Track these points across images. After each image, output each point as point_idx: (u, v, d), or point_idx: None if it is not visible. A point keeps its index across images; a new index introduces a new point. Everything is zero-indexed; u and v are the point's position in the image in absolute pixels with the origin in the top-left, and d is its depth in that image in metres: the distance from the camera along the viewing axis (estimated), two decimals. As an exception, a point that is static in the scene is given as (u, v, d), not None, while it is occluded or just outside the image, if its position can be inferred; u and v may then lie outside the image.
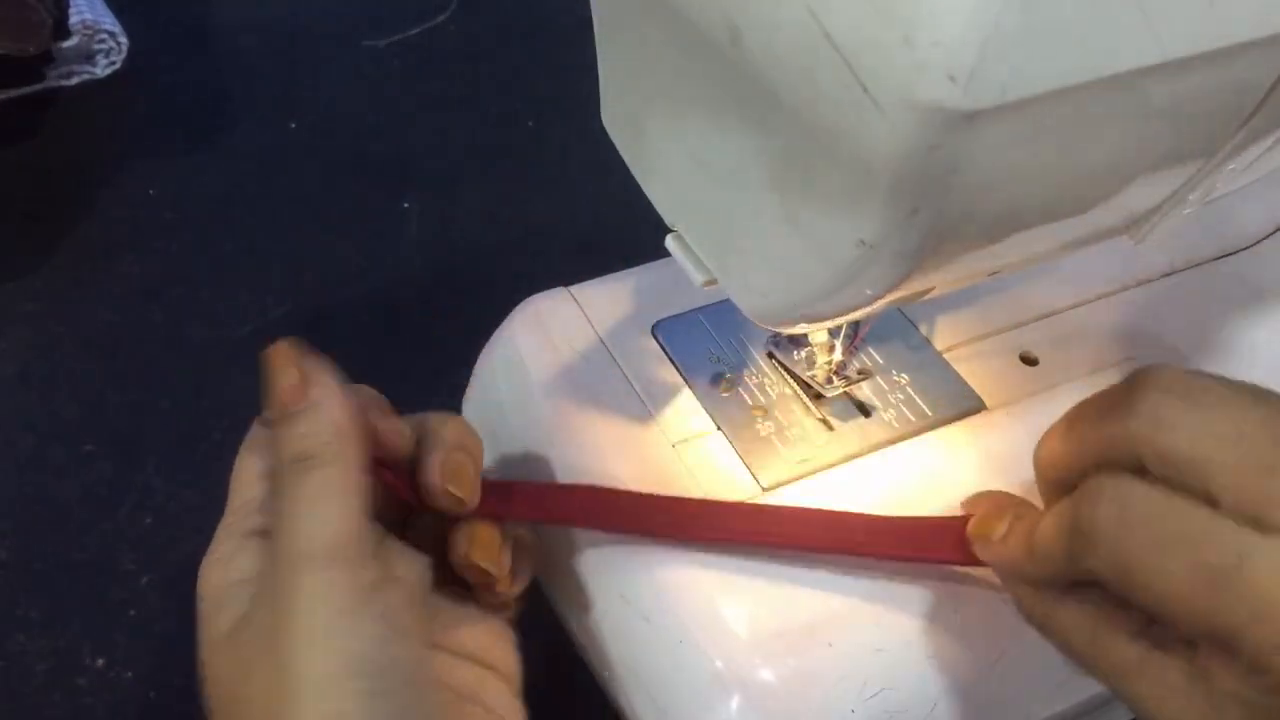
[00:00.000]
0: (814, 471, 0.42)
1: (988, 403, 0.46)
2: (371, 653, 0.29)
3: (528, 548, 0.39)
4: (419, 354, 0.64)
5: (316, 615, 0.29)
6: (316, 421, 0.33)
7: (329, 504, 0.31)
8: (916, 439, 0.44)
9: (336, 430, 0.33)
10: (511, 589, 0.38)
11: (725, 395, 0.45)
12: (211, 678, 0.31)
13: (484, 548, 0.36)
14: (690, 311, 0.48)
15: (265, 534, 0.33)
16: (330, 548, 0.30)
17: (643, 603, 0.38)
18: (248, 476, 0.35)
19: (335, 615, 0.29)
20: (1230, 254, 0.55)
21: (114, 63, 0.79)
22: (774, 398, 0.45)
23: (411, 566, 0.35)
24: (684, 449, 0.43)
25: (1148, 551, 0.27)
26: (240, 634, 0.31)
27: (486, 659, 0.36)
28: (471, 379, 0.49)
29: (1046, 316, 0.50)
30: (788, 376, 0.46)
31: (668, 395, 0.45)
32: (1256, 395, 0.28)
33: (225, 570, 0.33)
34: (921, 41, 0.21)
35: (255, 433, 0.36)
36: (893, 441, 0.44)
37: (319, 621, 0.29)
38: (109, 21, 0.79)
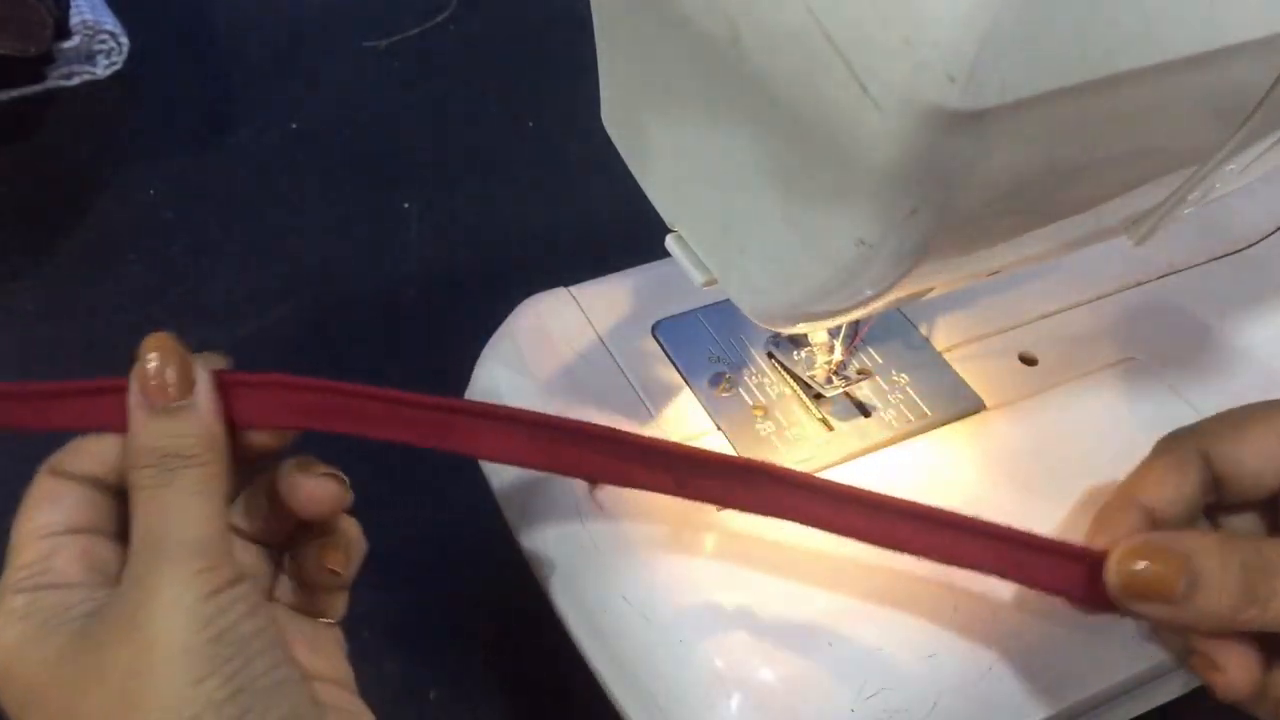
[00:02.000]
0: (814, 472, 0.42)
1: (988, 403, 0.46)
2: (240, 628, 0.29)
3: (355, 540, 0.37)
4: (419, 354, 0.64)
5: (184, 597, 0.29)
6: (193, 422, 0.31)
7: (197, 505, 0.30)
8: (916, 439, 0.44)
9: (209, 434, 0.32)
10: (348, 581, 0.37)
11: (725, 395, 0.45)
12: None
13: (335, 551, 0.35)
14: (690, 311, 0.48)
15: (50, 588, 0.31)
16: (197, 545, 0.30)
17: (643, 603, 0.38)
18: (29, 531, 0.32)
19: (203, 598, 0.29)
20: (1230, 254, 0.55)
21: (114, 63, 0.79)
22: (774, 398, 0.45)
23: (257, 564, 0.35)
24: (684, 449, 0.43)
25: None
26: (84, 641, 0.29)
27: (329, 673, 0.35)
28: (472, 378, 0.49)
29: (1046, 316, 0.50)
30: (787, 376, 0.46)
31: (668, 395, 0.45)
32: None
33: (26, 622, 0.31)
34: (921, 42, 0.21)
35: (42, 485, 0.33)
36: (893, 441, 0.44)
37: (186, 601, 0.29)
38: (109, 22, 0.78)
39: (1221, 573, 0.29)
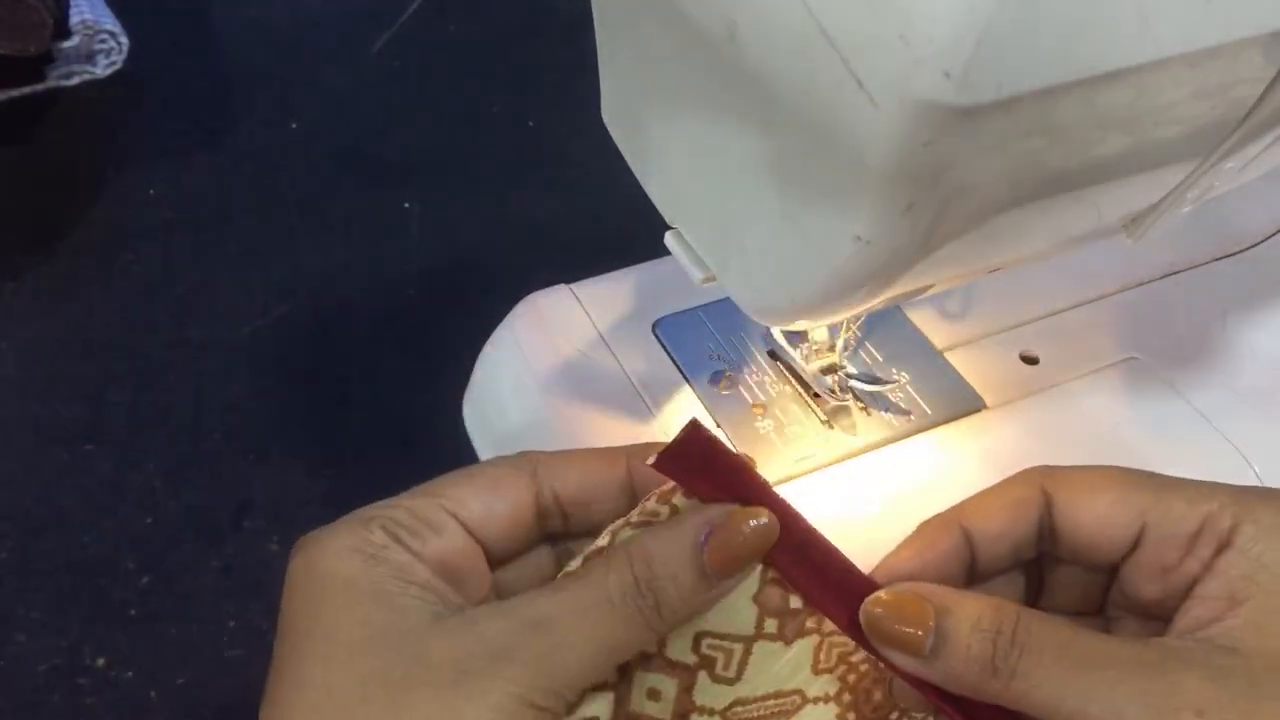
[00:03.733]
0: (813, 470, 0.42)
1: (988, 402, 0.46)
2: None
3: None
4: (420, 352, 0.64)
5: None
6: (699, 596, 0.29)
7: (604, 653, 0.28)
8: (916, 438, 0.44)
9: (691, 612, 0.30)
10: None
11: (725, 393, 0.45)
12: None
13: None
14: (691, 309, 0.48)
15: (408, 552, 0.29)
16: (560, 686, 0.27)
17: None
18: (444, 498, 0.30)
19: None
20: (1230, 254, 0.55)
21: (114, 63, 0.79)
22: (774, 396, 0.45)
23: None
24: (683, 447, 0.42)
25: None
26: (406, 647, 0.27)
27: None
28: (473, 375, 0.49)
29: (1046, 316, 0.50)
30: (788, 374, 0.46)
31: (668, 393, 0.45)
32: None
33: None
34: (917, 38, 0.21)
35: (500, 469, 0.31)
36: (892, 440, 0.44)
37: None
38: (109, 21, 0.79)
39: (969, 638, 0.28)
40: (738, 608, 0.31)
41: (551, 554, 0.33)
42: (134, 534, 0.54)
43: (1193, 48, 0.23)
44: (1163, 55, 0.23)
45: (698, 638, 0.31)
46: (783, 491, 0.40)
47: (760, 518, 0.30)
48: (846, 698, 0.32)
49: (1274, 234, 0.55)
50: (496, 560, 0.31)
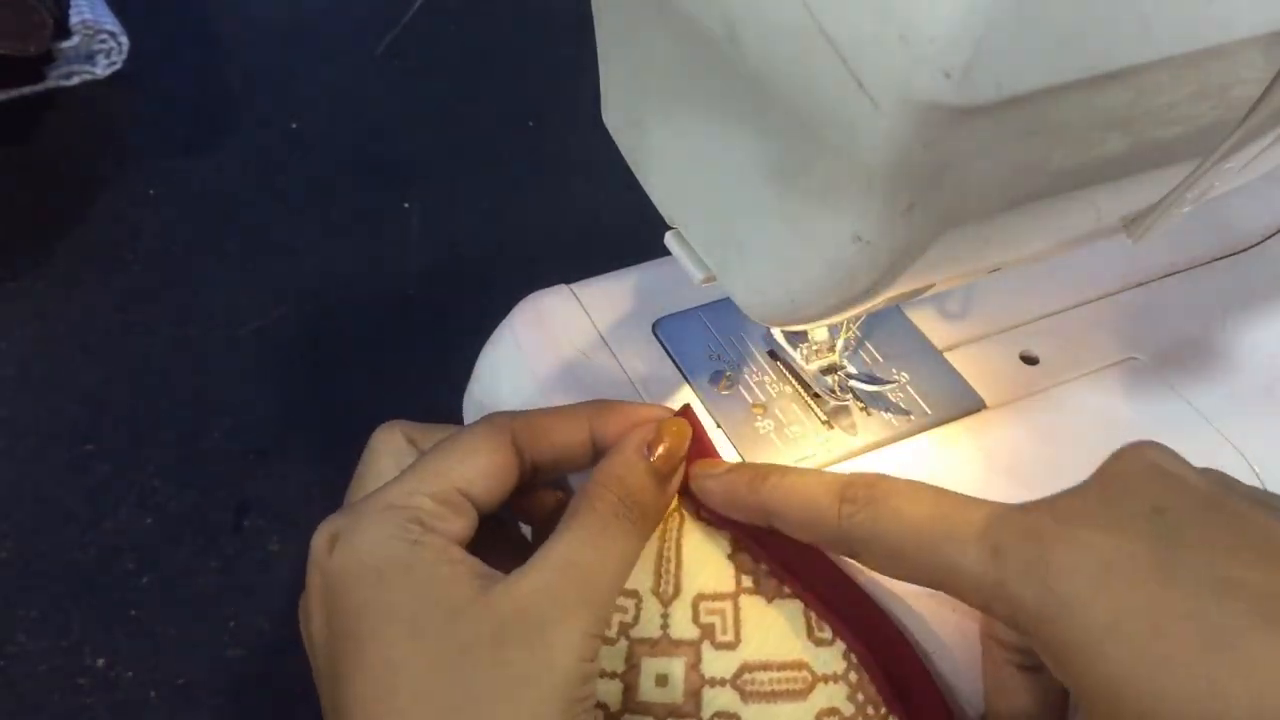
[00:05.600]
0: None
1: (988, 402, 0.46)
2: (593, 698, 0.31)
3: None
4: (420, 353, 0.64)
5: (582, 648, 0.30)
6: (666, 493, 0.35)
7: (625, 566, 0.33)
8: (916, 438, 0.44)
9: (662, 512, 0.36)
10: None
11: (725, 393, 0.45)
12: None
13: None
14: (691, 309, 0.48)
15: (440, 535, 0.31)
16: (604, 607, 0.32)
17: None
18: (454, 475, 0.33)
19: (590, 659, 0.30)
20: (1230, 254, 0.55)
21: (114, 63, 0.79)
22: (773, 396, 0.45)
23: None
24: (683, 448, 0.42)
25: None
26: (479, 610, 0.29)
27: None
28: (473, 375, 0.49)
29: (1046, 316, 0.50)
30: (787, 374, 0.46)
31: (668, 393, 0.45)
32: None
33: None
34: (917, 38, 0.21)
35: (490, 436, 0.34)
36: (893, 440, 0.44)
37: (583, 653, 0.30)
38: (109, 21, 0.79)
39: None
40: (719, 566, 0.36)
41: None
42: (134, 534, 0.54)
43: (1193, 48, 0.23)
44: (1163, 55, 0.23)
45: (695, 602, 0.35)
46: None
47: (680, 424, 0.36)
48: (854, 677, 0.34)
49: (1274, 234, 0.55)
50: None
